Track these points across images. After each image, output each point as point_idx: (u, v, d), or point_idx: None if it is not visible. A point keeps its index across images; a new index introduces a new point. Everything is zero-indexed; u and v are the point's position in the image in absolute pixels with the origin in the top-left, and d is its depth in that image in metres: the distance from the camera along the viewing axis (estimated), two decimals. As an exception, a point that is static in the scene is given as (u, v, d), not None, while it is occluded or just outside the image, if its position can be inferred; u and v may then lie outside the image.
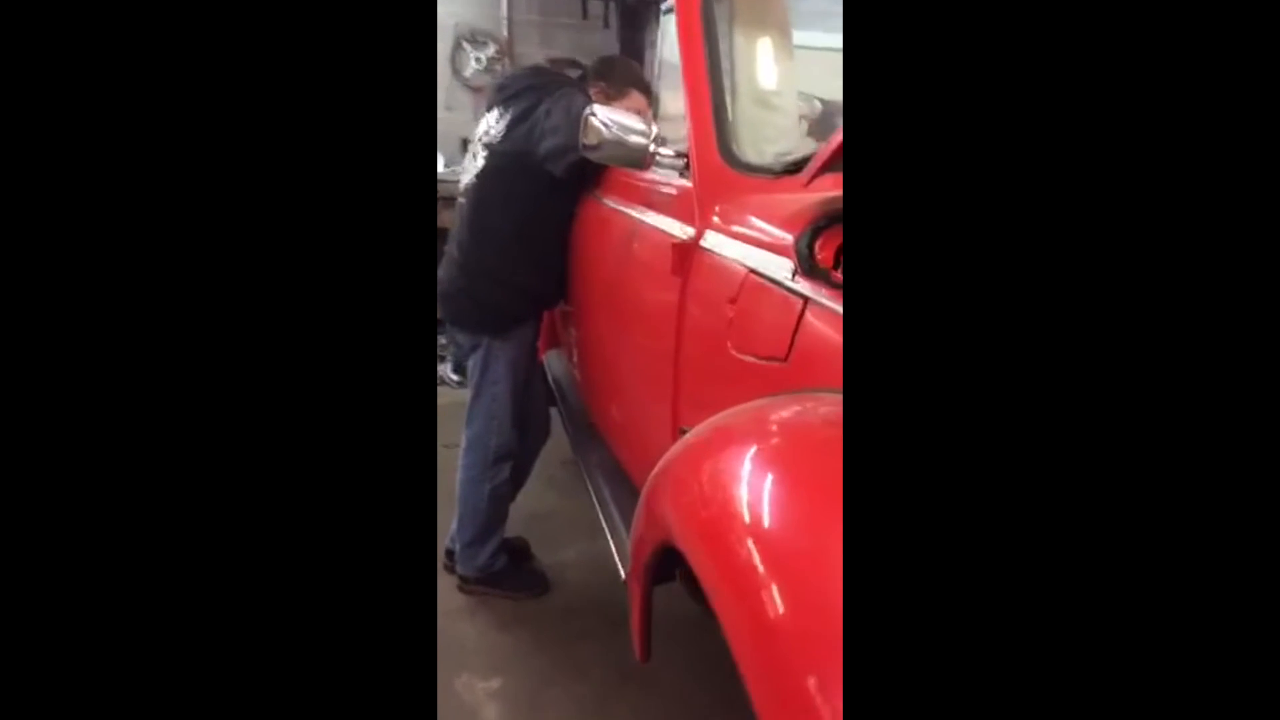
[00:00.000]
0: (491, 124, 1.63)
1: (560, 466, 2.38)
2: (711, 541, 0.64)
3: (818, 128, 1.63)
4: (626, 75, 1.68)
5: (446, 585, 1.77)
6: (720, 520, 0.64)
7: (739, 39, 1.20)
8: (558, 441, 1.93)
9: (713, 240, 1.04)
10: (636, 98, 1.65)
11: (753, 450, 0.68)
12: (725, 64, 1.16)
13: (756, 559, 0.58)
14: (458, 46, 3.51)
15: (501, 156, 1.57)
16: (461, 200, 1.68)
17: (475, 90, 3.56)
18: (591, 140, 1.18)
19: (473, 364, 1.67)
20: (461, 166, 3.11)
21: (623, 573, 1.24)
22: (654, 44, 2.31)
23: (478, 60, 3.53)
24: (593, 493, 1.54)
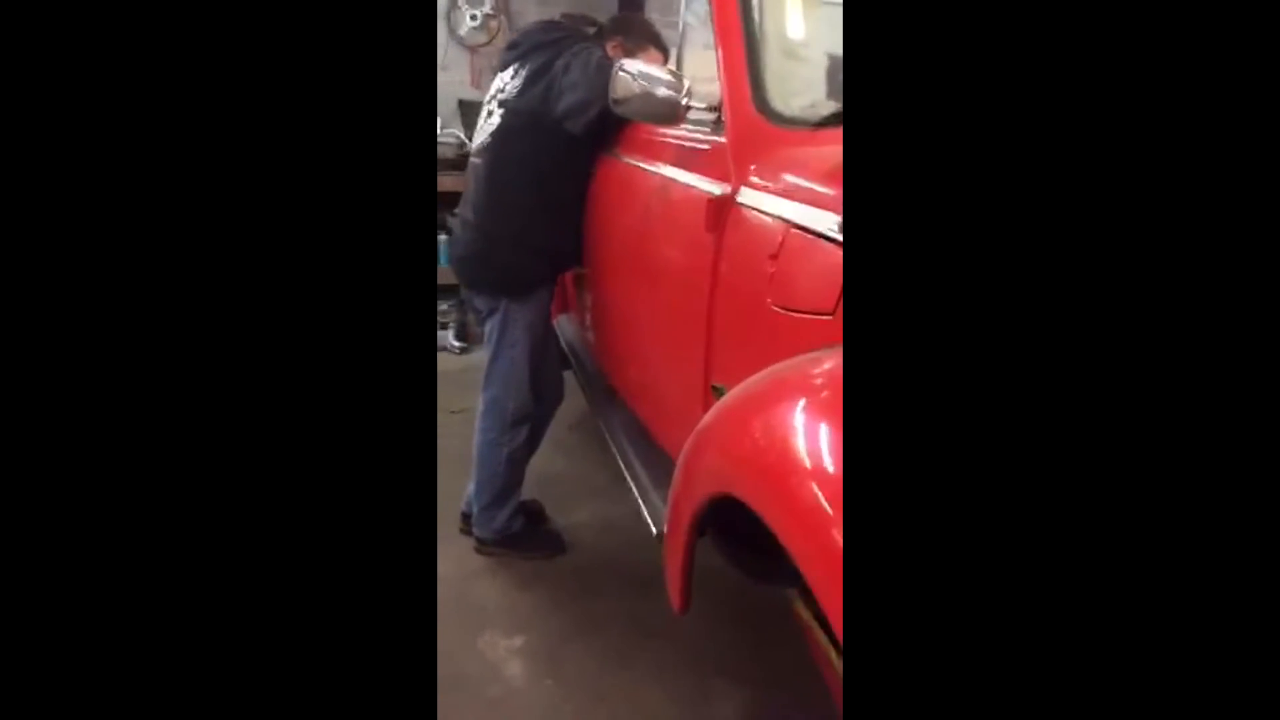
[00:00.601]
0: (506, 81, 1.60)
1: (568, 430, 2.39)
2: (778, 485, 0.65)
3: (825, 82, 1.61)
4: (644, 32, 1.65)
5: (465, 548, 1.79)
6: (787, 465, 0.65)
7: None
8: (565, 405, 1.93)
9: (750, 196, 1.03)
10: (654, 55, 1.62)
11: (812, 399, 0.69)
12: (755, 15, 1.14)
13: (823, 500, 0.60)
14: (453, 4, 3.41)
15: (517, 115, 1.54)
16: (475, 160, 1.65)
17: (471, 50, 3.47)
18: (620, 94, 1.16)
19: (490, 328, 1.66)
20: (457, 129, 3.03)
21: (654, 529, 1.25)
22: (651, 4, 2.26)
23: (473, 18, 3.44)
24: (617, 454, 1.55)
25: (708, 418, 0.84)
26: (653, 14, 2.12)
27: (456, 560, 1.76)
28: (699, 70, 1.26)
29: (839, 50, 1.23)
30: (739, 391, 0.81)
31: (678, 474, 0.90)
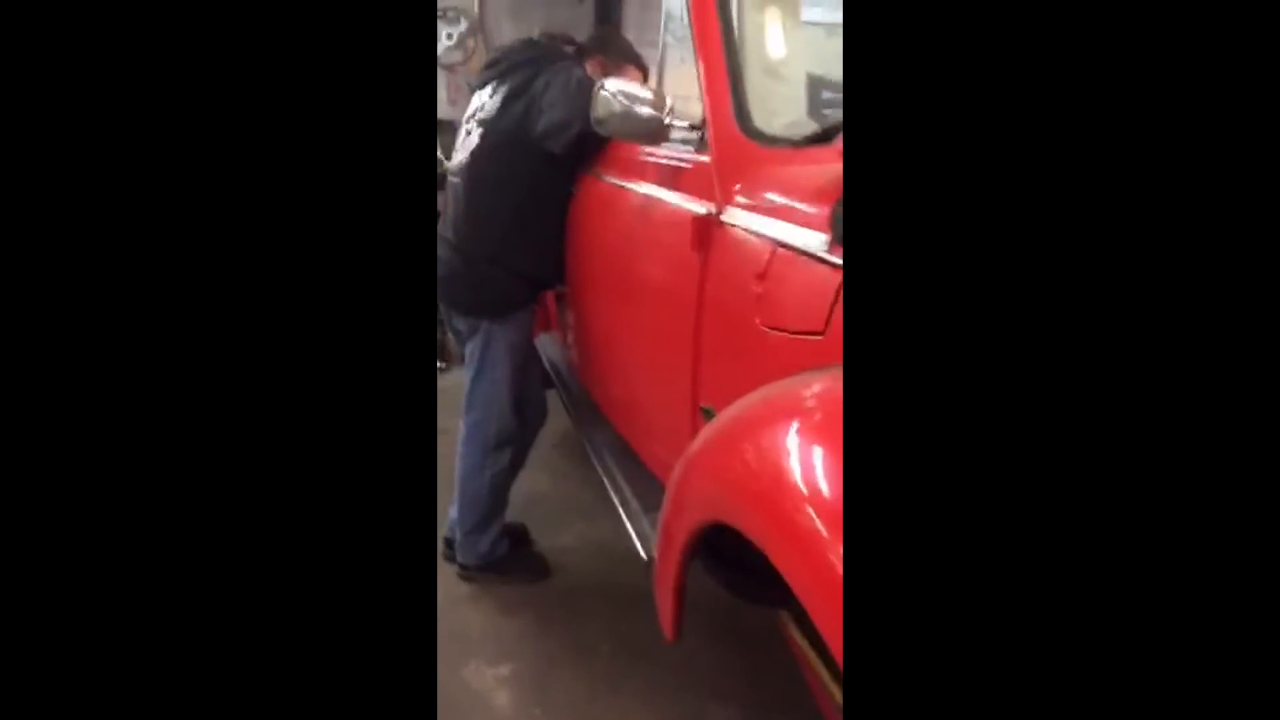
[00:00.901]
0: (485, 100, 1.58)
1: (551, 449, 2.36)
2: (773, 512, 0.64)
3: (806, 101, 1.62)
4: (623, 50, 1.65)
5: (448, 574, 1.75)
6: (781, 491, 0.64)
7: (749, 6, 1.18)
8: (548, 423, 1.91)
9: (735, 215, 1.02)
10: (634, 73, 1.62)
11: (805, 422, 0.68)
12: (735, 34, 1.14)
13: (820, 526, 0.59)
14: (428, 23, 3.41)
15: (497, 135, 1.53)
16: (454, 180, 1.63)
17: (448, 69, 3.46)
18: (602, 114, 1.15)
19: (471, 349, 1.64)
20: (453, 148, 3.03)
21: (642, 552, 1.23)
22: (626, 18, 2.27)
23: (449, 37, 3.43)
24: (603, 474, 1.53)
25: (698, 442, 0.83)
26: (628, 33, 2.13)
27: (439, 586, 1.71)
28: (679, 89, 1.26)
29: (818, 70, 1.24)
30: (729, 415, 0.80)
31: (668, 500, 0.89)
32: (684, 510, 0.84)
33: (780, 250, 0.90)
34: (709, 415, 1.07)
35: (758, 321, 0.93)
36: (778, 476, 0.66)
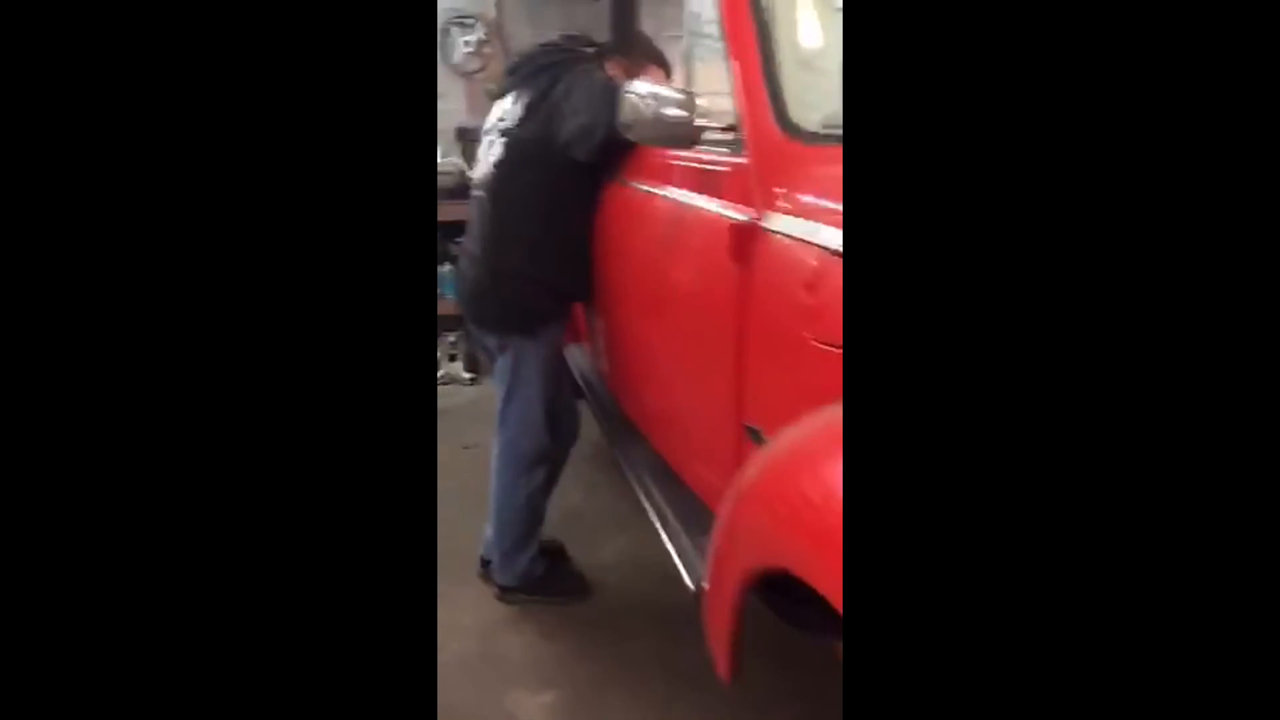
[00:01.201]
0: (506, 109, 1.53)
1: (583, 462, 2.31)
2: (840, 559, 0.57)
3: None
4: (645, 50, 1.58)
5: (486, 596, 1.71)
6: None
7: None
8: (581, 434, 1.85)
9: (779, 221, 0.95)
10: (657, 74, 1.55)
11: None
12: (768, 24, 1.06)
13: None
14: (445, 32, 3.37)
15: (520, 144, 1.47)
16: (478, 194, 1.58)
17: (466, 77, 3.43)
18: (629, 118, 1.08)
19: (501, 367, 1.59)
20: (456, 157, 2.97)
21: (683, 571, 1.17)
22: (644, 12, 2.20)
23: (467, 44, 3.39)
24: (639, 491, 1.47)
25: (752, 472, 0.76)
26: (645, 27, 2.05)
27: (477, 609, 1.67)
28: (707, 85, 1.18)
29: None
30: (785, 443, 0.73)
31: (719, 534, 0.82)
32: (737, 549, 0.77)
33: (832, 257, 0.83)
34: (755, 436, 1.00)
35: (808, 336, 0.86)
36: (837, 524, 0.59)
